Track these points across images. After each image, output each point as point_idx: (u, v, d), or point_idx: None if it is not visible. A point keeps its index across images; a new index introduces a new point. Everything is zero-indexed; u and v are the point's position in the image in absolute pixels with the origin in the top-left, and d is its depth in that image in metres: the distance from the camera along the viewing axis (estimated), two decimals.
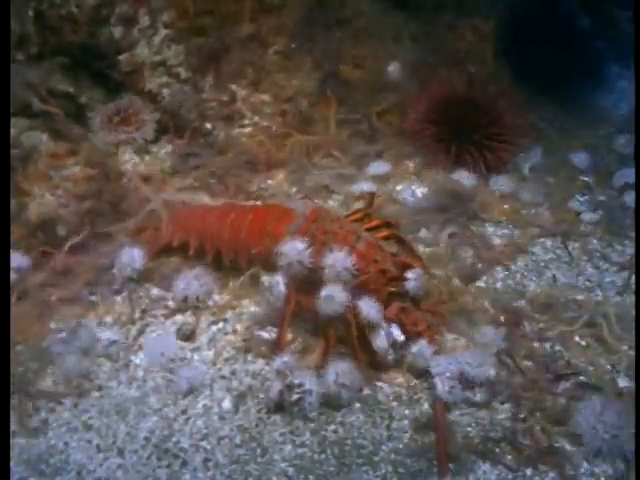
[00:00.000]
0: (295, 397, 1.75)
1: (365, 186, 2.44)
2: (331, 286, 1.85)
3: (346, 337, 1.88)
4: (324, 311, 1.84)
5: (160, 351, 1.94)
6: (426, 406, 1.82)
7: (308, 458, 1.70)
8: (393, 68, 2.79)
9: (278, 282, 1.92)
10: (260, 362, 1.93)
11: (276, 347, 1.91)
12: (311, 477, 1.66)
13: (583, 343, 1.98)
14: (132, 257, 2.12)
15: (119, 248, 2.15)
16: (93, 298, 2.13)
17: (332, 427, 1.77)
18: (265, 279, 1.94)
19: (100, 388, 1.87)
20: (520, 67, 2.96)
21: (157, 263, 2.21)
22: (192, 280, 2.09)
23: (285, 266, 1.92)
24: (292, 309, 1.93)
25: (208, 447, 1.72)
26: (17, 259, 2.13)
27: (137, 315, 2.08)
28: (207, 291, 2.10)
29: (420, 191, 2.50)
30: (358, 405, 1.81)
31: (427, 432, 1.75)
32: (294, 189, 2.51)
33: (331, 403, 1.80)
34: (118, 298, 2.14)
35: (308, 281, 1.94)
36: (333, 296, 1.84)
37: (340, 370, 1.79)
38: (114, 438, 1.75)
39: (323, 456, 1.70)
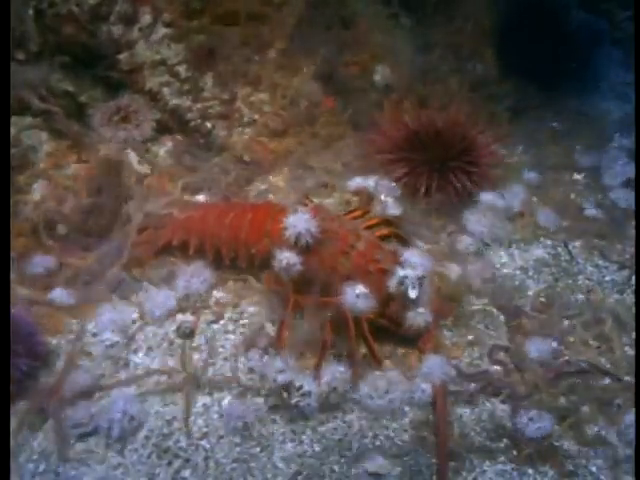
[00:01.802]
0: (295, 400, 1.75)
1: (361, 181, 2.44)
2: (358, 285, 1.86)
3: (344, 335, 1.87)
4: (357, 308, 1.85)
5: None
6: (426, 404, 1.82)
7: (308, 457, 1.70)
8: (381, 72, 2.79)
9: (293, 261, 1.91)
10: (260, 361, 1.93)
11: (276, 347, 1.91)
12: (311, 476, 1.66)
13: (583, 342, 1.98)
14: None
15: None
16: (92, 297, 2.13)
17: (332, 426, 1.77)
18: (280, 257, 1.92)
19: (100, 388, 1.87)
20: (520, 66, 2.96)
21: (157, 262, 2.21)
22: (192, 277, 2.09)
23: (294, 237, 1.92)
24: (291, 309, 1.93)
25: (208, 446, 1.72)
26: (44, 260, 2.13)
27: (137, 314, 2.08)
28: (208, 287, 2.10)
29: None
30: (358, 404, 1.82)
31: (427, 430, 1.75)
32: (294, 188, 2.50)
33: (330, 404, 1.80)
34: (117, 297, 2.13)
35: (306, 280, 1.94)
36: (366, 293, 1.85)
37: (335, 372, 1.80)
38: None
39: (323, 455, 1.71)
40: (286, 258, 1.91)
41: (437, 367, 1.82)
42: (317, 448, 1.72)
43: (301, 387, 1.76)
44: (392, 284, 1.88)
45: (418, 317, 1.88)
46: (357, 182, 2.45)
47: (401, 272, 1.88)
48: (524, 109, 2.91)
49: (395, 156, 2.47)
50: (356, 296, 1.85)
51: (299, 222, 1.93)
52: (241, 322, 2.05)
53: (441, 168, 2.40)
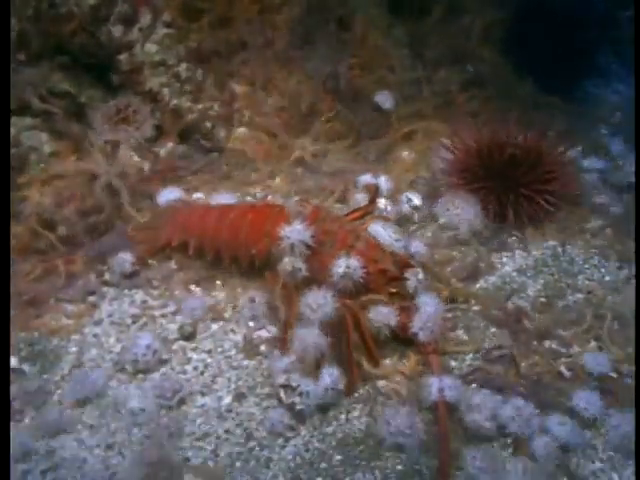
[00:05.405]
0: (293, 399, 1.76)
1: (368, 179, 2.43)
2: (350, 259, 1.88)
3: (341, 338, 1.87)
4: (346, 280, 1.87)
5: None
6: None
7: (308, 457, 1.70)
8: (382, 97, 2.79)
9: (298, 265, 1.92)
10: (260, 361, 1.93)
11: (279, 348, 1.91)
12: (311, 476, 1.66)
13: (583, 342, 1.98)
14: None
15: None
16: (92, 299, 2.13)
17: (332, 426, 1.77)
18: (285, 262, 1.93)
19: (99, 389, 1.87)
20: (521, 66, 2.97)
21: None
22: None
23: (288, 248, 1.92)
24: (294, 310, 1.93)
25: (208, 446, 1.72)
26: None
27: (136, 315, 2.08)
28: None
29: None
30: (358, 404, 1.82)
31: (427, 430, 1.75)
32: (294, 189, 2.50)
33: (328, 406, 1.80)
34: (117, 297, 2.13)
35: (307, 281, 1.94)
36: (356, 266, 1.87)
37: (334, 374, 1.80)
38: (114, 437, 1.75)
39: (324, 455, 1.70)
40: (291, 263, 1.91)
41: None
42: (317, 448, 1.72)
43: (299, 387, 1.76)
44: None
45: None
46: (362, 176, 2.45)
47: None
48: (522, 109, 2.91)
49: (475, 184, 2.34)
50: (346, 267, 1.87)
51: (292, 234, 1.94)
52: (242, 323, 2.05)
53: (516, 190, 2.30)
